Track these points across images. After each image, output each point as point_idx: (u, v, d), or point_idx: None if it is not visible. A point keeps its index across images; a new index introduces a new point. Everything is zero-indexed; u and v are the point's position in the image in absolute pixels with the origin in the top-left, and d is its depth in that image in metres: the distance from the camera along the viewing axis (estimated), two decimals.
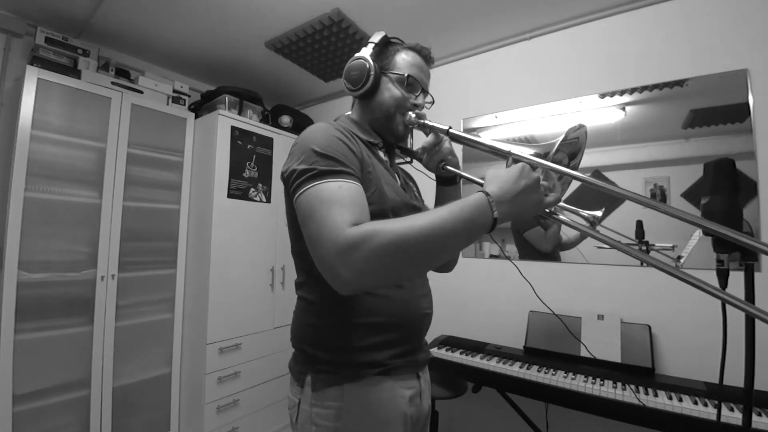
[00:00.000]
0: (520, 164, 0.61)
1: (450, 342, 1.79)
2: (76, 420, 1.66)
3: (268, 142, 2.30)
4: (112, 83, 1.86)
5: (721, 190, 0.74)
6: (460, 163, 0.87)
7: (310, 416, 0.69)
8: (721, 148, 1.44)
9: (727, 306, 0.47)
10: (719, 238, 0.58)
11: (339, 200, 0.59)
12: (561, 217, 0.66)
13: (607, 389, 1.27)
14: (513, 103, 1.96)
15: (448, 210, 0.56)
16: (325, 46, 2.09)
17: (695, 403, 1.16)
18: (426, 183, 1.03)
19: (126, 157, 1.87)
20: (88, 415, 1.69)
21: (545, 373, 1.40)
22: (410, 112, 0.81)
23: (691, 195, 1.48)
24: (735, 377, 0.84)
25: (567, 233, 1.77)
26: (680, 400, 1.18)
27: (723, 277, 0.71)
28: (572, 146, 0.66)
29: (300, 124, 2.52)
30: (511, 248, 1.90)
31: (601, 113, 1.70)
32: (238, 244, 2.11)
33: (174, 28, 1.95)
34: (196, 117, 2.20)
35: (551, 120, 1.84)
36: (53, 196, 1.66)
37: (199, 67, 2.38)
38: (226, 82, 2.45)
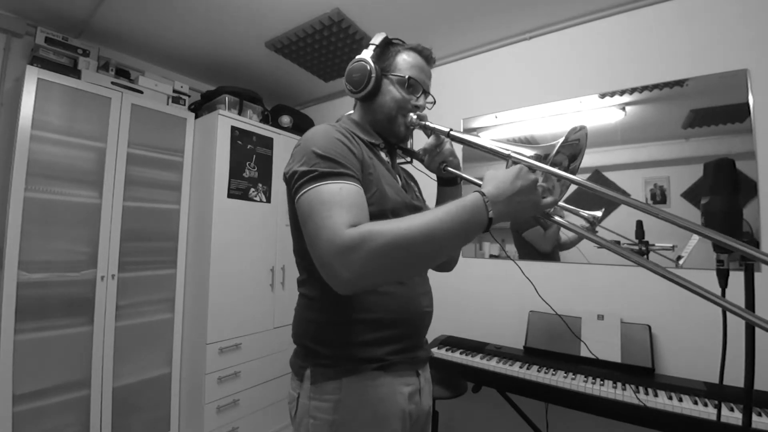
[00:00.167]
0: (518, 165, 0.62)
1: (450, 342, 1.79)
2: (76, 420, 1.66)
3: (268, 142, 2.30)
4: (112, 83, 1.86)
5: (721, 190, 0.74)
6: (461, 164, 0.87)
7: (309, 409, 0.70)
8: (721, 148, 1.44)
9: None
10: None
11: (339, 202, 0.59)
12: (557, 219, 0.66)
13: (607, 389, 1.27)
14: (513, 103, 1.96)
15: (445, 210, 0.58)
16: (325, 46, 2.09)
17: (695, 403, 1.16)
18: (427, 183, 1.03)
19: (126, 157, 1.87)
20: (88, 415, 1.69)
21: (545, 373, 1.40)
22: (411, 114, 0.81)
23: (691, 195, 1.48)
24: (735, 377, 0.84)
25: (566, 233, 1.77)
26: (680, 400, 1.18)
27: (723, 277, 0.71)
28: (573, 148, 0.66)
29: (300, 124, 2.52)
30: (511, 248, 1.90)
31: (601, 113, 1.70)
32: (238, 244, 2.11)
33: (174, 28, 1.95)
34: (196, 117, 2.20)
35: (551, 120, 1.84)
36: (53, 196, 1.66)
37: (199, 67, 2.38)
38: (226, 82, 2.45)
